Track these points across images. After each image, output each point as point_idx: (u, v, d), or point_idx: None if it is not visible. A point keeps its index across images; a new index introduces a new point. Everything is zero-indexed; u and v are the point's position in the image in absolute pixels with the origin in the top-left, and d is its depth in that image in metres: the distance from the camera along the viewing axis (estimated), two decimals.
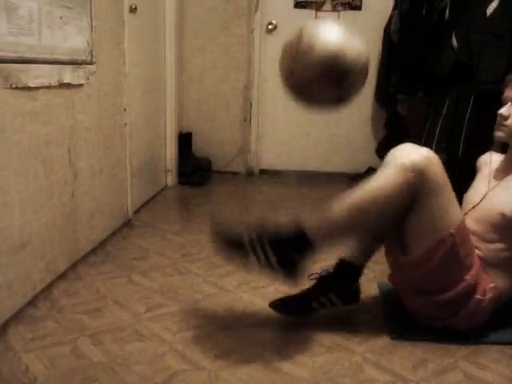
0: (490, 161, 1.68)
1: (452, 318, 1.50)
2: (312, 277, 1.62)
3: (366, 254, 1.64)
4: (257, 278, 1.93)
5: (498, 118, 1.57)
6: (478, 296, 1.47)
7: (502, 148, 1.69)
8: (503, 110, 1.56)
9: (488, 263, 1.52)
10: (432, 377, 1.35)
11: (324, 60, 1.32)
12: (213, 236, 1.48)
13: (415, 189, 1.39)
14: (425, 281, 1.49)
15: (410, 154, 1.42)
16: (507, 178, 1.57)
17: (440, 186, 1.41)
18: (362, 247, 1.63)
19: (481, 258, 1.52)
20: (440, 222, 1.42)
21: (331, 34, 1.35)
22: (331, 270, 1.62)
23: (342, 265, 1.62)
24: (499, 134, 1.58)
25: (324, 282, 1.60)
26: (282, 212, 2.86)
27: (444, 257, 1.42)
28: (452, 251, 1.42)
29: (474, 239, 1.54)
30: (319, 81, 1.35)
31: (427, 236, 1.42)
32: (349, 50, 1.33)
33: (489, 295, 1.49)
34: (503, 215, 1.48)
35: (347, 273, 1.61)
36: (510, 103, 1.56)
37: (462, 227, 1.44)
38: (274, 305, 1.63)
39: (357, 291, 1.64)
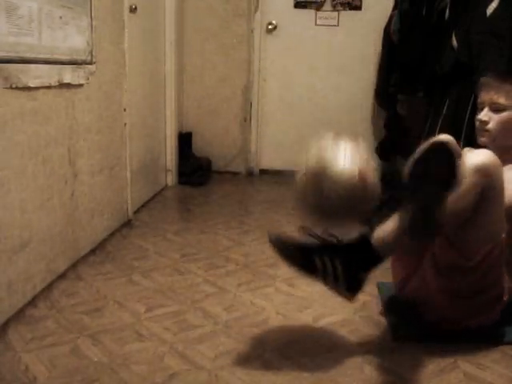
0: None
1: (476, 318, 1.50)
2: (311, 232, 1.47)
3: (396, 244, 1.50)
4: (257, 279, 1.93)
5: (478, 124, 1.58)
6: (504, 298, 1.49)
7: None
8: (482, 116, 1.56)
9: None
10: (432, 377, 1.35)
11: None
12: (274, 246, 1.43)
13: (483, 190, 1.37)
14: (473, 283, 1.46)
15: (478, 155, 1.39)
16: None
17: (501, 189, 1.41)
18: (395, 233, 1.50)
19: None
20: (497, 226, 1.43)
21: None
22: (349, 240, 1.47)
23: (363, 242, 1.44)
24: (483, 139, 1.59)
25: (336, 245, 1.44)
26: (283, 214, 2.86)
27: (495, 260, 1.43)
28: (500, 256, 1.44)
29: None
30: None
31: (486, 239, 1.42)
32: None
33: (506, 296, 1.51)
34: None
35: (366, 256, 1.44)
36: (487, 108, 1.56)
37: (506, 230, 1.46)
38: (274, 240, 1.46)
39: (361, 282, 1.46)
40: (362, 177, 1.29)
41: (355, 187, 1.29)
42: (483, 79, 1.61)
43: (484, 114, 1.56)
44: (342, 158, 1.32)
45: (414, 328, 1.56)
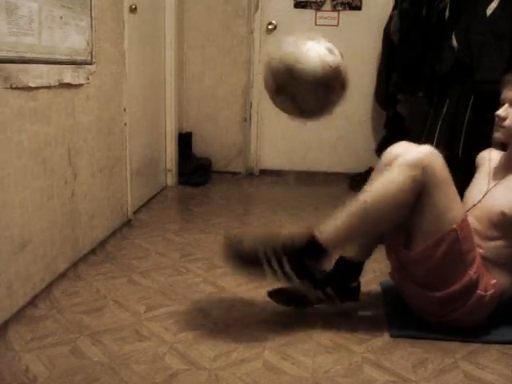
0: (490, 158, 1.69)
1: (453, 313, 1.50)
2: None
3: (367, 252, 1.64)
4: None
5: (496, 119, 1.58)
6: (479, 291, 1.47)
7: (502, 146, 1.69)
8: (501, 111, 1.56)
9: (489, 261, 1.53)
10: (432, 377, 1.35)
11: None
12: (226, 253, 1.51)
13: (420, 185, 1.41)
14: (428, 276, 1.51)
15: (411, 152, 1.44)
16: (508, 176, 1.57)
17: (443, 181, 1.43)
18: (362, 245, 1.63)
19: (482, 256, 1.52)
20: (444, 218, 1.43)
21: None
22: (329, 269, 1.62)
23: (341, 262, 1.62)
24: (498, 135, 1.59)
25: (322, 277, 1.59)
26: (283, 214, 2.86)
27: (447, 252, 1.43)
28: (455, 246, 1.43)
29: (474, 237, 1.54)
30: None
31: (431, 231, 1.44)
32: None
33: (490, 291, 1.49)
34: (504, 214, 1.48)
35: (346, 270, 1.62)
36: (507, 104, 1.56)
37: (464, 223, 1.46)
38: (272, 294, 1.63)
39: (356, 290, 1.65)
40: (329, 65, 1.38)
41: (323, 73, 1.37)
42: (506, 77, 1.61)
43: (502, 110, 1.56)
44: (311, 48, 1.40)
45: (414, 326, 1.56)
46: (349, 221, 1.47)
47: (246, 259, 1.47)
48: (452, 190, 1.46)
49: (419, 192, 1.42)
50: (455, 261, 1.46)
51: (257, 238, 1.50)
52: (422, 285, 1.52)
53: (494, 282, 1.50)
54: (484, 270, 1.51)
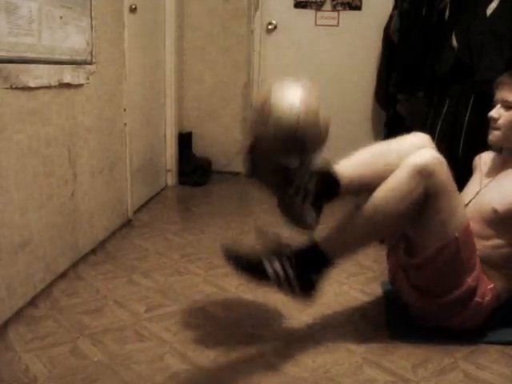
0: (481, 159, 1.70)
1: (449, 319, 1.50)
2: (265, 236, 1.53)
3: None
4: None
5: (490, 122, 1.58)
6: (477, 299, 1.47)
7: (501, 149, 1.70)
8: (493, 112, 1.57)
9: (485, 262, 1.52)
10: (432, 377, 1.35)
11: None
12: (228, 260, 1.47)
13: (426, 191, 1.38)
14: (426, 282, 1.50)
15: (419, 156, 1.40)
16: (500, 175, 1.58)
17: (448, 188, 1.41)
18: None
19: (479, 257, 1.52)
20: (447, 225, 1.41)
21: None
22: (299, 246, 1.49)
23: (313, 246, 1.48)
24: (490, 137, 1.60)
25: (286, 251, 1.46)
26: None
27: (447, 260, 1.42)
28: (456, 254, 1.42)
29: None
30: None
31: (434, 238, 1.42)
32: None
33: (487, 297, 1.49)
34: (495, 211, 1.49)
35: (315, 256, 1.47)
36: (499, 105, 1.56)
37: (466, 230, 1.44)
38: (229, 255, 1.49)
39: (314, 284, 1.47)
40: (303, 109, 1.33)
41: (296, 120, 1.31)
42: (500, 78, 1.61)
43: (494, 111, 1.56)
44: (286, 94, 1.34)
45: (414, 327, 1.56)
46: (353, 230, 1.44)
47: (252, 266, 1.44)
48: (456, 197, 1.44)
49: (424, 197, 1.39)
50: (455, 269, 1.45)
51: (262, 245, 1.48)
52: (420, 290, 1.52)
53: (490, 286, 1.50)
54: (483, 275, 1.51)
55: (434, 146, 1.51)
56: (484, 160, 1.71)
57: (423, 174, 1.36)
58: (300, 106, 1.32)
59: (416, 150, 1.42)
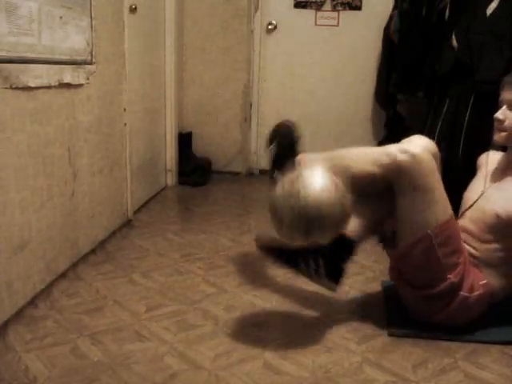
0: (487, 160, 1.69)
1: (438, 313, 1.51)
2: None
3: (364, 233, 1.60)
4: (257, 279, 1.93)
5: (496, 123, 1.58)
6: (462, 293, 1.48)
7: (502, 148, 1.69)
8: (499, 114, 1.56)
9: (483, 262, 1.53)
10: (432, 377, 1.35)
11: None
12: (261, 249, 1.59)
13: (387, 177, 1.43)
14: (411, 274, 1.53)
15: (408, 143, 1.47)
16: (504, 179, 1.57)
17: (424, 185, 1.43)
18: (363, 224, 1.60)
19: (476, 257, 1.53)
20: (421, 220, 1.44)
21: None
22: None
23: (337, 237, 1.52)
24: (498, 137, 1.59)
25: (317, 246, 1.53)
26: None
27: (422, 254, 1.45)
28: (430, 251, 1.44)
29: (470, 239, 1.55)
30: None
31: (408, 232, 1.46)
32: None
33: (477, 292, 1.49)
34: (497, 216, 1.49)
35: (341, 246, 1.56)
36: (505, 106, 1.56)
37: (445, 227, 1.45)
38: (263, 247, 1.65)
39: (341, 272, 1.59)
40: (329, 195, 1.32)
41: (325, 205, 1.31)
42: (506, 78, 1.61)
43: (500, 113, 1.56)
44: (313, 181, 1.34)
45: (410, 325, 1.57)
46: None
47: (280, 251, 1.54)
48: (435, 192, 1.45)
49: (392, 177, 1.43)
50: (432, 264, 1.46)
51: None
52: (408, 283, 1.55)
53: (483, 282, 1.51)
54: (472, 268, 1.52)
55: (435, 150, 1.54)
56: (489, 159, 1.69)
57: (407, 153, 1.41)
58: (330, 189, 1.33)
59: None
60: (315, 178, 1.33)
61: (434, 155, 1.49)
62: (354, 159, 1.50)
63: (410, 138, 1.53)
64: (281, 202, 1.33)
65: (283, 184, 1.36)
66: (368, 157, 1.48)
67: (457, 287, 1.47)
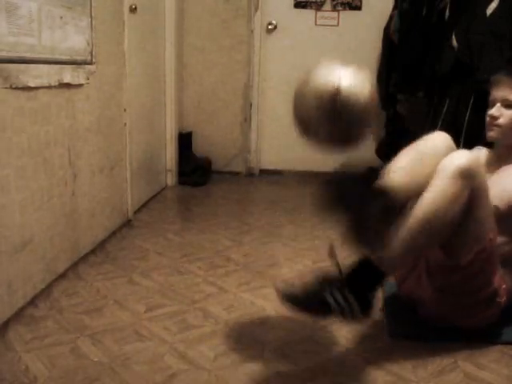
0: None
1: (469, 319, 1.51)
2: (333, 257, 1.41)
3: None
4: (257, 279, 1.93)
5: (488, 119, 1.59)
6: (497, 298, 1.48)
7: (486, 144, 1.70)
8: (494, 111, 1.57)
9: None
10: (432, 377, 1.35)
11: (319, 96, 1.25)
12: (286, 302, 1.38)
13: (471, 193, 1.36)
14: (458, 283, 1.47)
15: (458, 158, 1.37)
16: (498, 171, 1.59)
17: (486, 188, 1.41)
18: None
19: None
20: (485, 226, 1.41)
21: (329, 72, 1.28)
22: (352, 267, 1.41)
23: (365, 264, 1.39)
24: (491, 134, 1.60)
25: (341, 278, 1.38)
26: (283, 214, 2.86)
27: (484, 261, 1.43)
28: (491, 256, 1.43)
29: None
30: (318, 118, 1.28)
31: (473, 239, 1.41)
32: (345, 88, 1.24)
33: (504, 298, 1.50)
34: (497, 208, 1.49)
35: (370, 274, 1.39)
36: (498, 104, 1.57)
37: (495, 231, 1.45)
38: (285, 297, 1.40)
39: (372, 301, 1.42)
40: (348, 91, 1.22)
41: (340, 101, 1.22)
42: (495, 77, 1.62)
43: (496, 110, 1.57)
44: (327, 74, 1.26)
45: (410, 326, 1.56)
46: (403, 246, 1.37)
47: (307, 300, 1.35)
48: (488, 198, 1.43)
49: (469, 199, 1.36)
50: (487, 270, 1.45)
51: (317, 279, 1.38)
52: (444, 290, 1.48)
53: (504, 287, 1.51)
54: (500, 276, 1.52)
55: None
56: (482, 155, 1.70)
57: (466, 176, 1.33)
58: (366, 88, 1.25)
59: (449, 150, 1.41)
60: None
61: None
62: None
63: (450, 154, 1.41)
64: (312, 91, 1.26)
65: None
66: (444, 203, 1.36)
67: (496, 293, 1.47)
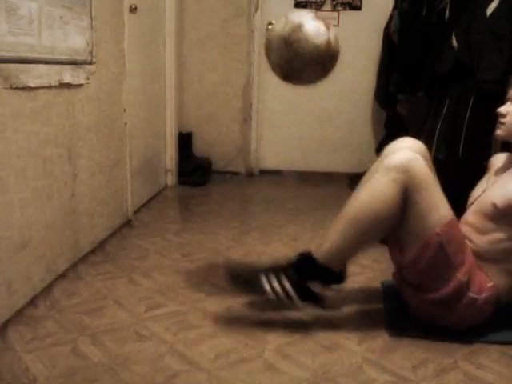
0: (494, 160, 1.72)
1: (447, 316, 1.51)
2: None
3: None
4: None
5: (498, 117, 1.60)
6: (470, 294, 1.47)
7: (507, 147, 1.71)
8: (501, 108, 1.59)
9: (484, 258, 1.52)
10: (432, 377, 1.35)
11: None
12: (228, 278, 1.57)
13: (405, 188, 1.41)
14: (419, 279, 1.51)
15: (394, 155, 1.45)
16: (505, 173, 1.59)
17: (425, 184, 1.43)
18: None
19: (476, 253, 1.53)
20: (428, 221, 1.43)
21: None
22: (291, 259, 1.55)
23: (305, 257, 1.52)
24: (498, 132, 1.62)
25: (281, 265, 1.53)
26: (283, 214, 2.86)
27: (433, 256, 1.43)
28: (440, 250, 1.43)
29: (470, 231, 1.56)
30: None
31: (416, 235, 1.44)
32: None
33: (485, 294, 1.48)
34: (495, 206, 1.50)
35: (308, 265, 1.51)
36: (509, 102, 1.58)
37: (449, 225, 1.45)
38: (229, 273, 1.60)
39: (314, 294, 1.54)
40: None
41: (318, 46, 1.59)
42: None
43: (503, 108, 1.59)
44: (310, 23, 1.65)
45: (413, 326, 1.57)
46: (340, 238, 1.48)
47: (247, 279, 1.51)
48: (434, 193, 1.45)
49: (404, 195, 1.41)
50: (442, 264, 1.45)
51: (258, 265, 1.55)
52: (415, 287, 1.53)
53: (490, 284, 1.50)
54: (478, 271, 1.51)
55: (423, 149, 1.58)
56: (497, 160, 1.71)
57: (398, 170, 1.40)
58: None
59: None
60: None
61: (421, 154, 1.50)
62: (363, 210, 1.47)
63: (392, 148, 1.55)
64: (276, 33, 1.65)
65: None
66: (377, 200, 1.44)
67: (465, 287, 1.46)
